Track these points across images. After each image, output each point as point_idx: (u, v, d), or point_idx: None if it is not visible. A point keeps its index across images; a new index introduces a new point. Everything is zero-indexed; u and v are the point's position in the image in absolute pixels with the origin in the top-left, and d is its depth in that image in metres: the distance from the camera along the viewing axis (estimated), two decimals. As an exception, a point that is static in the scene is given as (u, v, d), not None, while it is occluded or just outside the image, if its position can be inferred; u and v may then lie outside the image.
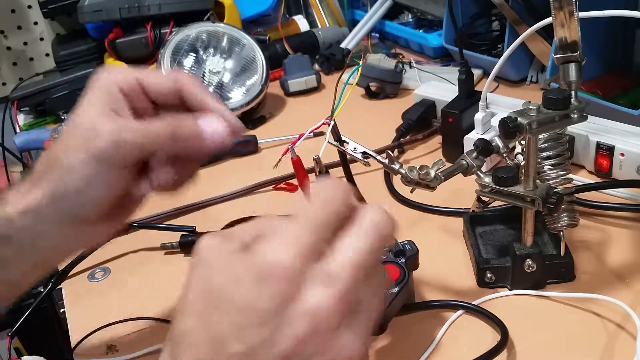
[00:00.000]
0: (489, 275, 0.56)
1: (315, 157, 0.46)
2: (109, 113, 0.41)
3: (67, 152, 0.41)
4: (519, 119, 0.49)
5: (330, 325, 0.29)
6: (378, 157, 0.52)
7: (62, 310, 0.63)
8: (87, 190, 0.41)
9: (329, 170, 0.69)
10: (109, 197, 0.42)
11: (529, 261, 0.54)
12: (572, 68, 0.52)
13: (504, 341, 0.50)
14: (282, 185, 0.78)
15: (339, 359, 0.30)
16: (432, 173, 0.51)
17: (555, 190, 0.52)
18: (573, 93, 0.51)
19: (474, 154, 0.55)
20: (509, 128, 0.49)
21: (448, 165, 0.54)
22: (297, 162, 0.57)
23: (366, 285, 0.31)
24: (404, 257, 0.53)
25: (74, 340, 0.57)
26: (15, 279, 0.45)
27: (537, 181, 0.53)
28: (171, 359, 0.30)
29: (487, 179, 0.54)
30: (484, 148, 0.55)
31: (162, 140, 0.41)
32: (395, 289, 0.50)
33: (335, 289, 0.29)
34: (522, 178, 0.53)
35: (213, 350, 0.29)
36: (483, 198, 0.55)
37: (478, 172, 0.55)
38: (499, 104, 0.79)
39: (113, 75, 0.43)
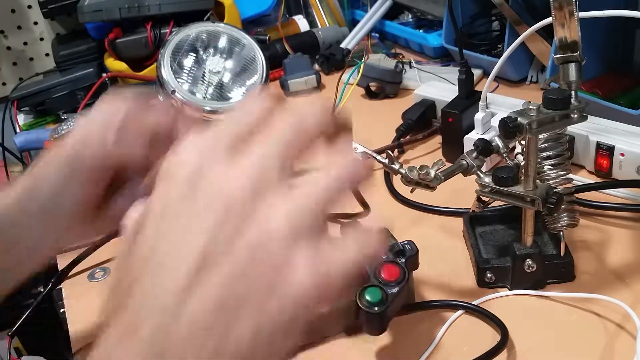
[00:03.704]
0: (489, 275, 0.56)
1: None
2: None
3: (47, 155, 0.44)
4: (519, 119, 0.49)
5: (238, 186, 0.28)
6: (378, 157, 0.52)
7: (62, 310, 0.63)
8: (59, 191, 0.44)
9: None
10: (81, 203, 0.45)
11: (529, 261, 0.54)
12: (572, 68, 0.52)
13: (504, 341, 0.50)
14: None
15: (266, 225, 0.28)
16: (432, 173, 0.51)
17: (555, 190, 0.52)
18: (573, 93, 0.51)
19: (474, 154, 0.55)
20: (509, 128, 0.49)
21: (448, 165, 0.54)
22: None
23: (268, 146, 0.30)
24: (404, 257, 0.52)
25: (73, 340, 0.57)
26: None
27: (537, 181, 0.53)
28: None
29: (487, 179, 0.54)
30: (484, 148, 0.55)
31: (132, 146, 0.43)
32: (395, 289, 0.50)
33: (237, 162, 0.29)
34: (522, 178, 0.53)
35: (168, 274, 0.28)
36: (483, 198, 0.55)
37: (478, 172, 0.54)
38: (499, 104, 0.79)
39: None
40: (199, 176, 0.29)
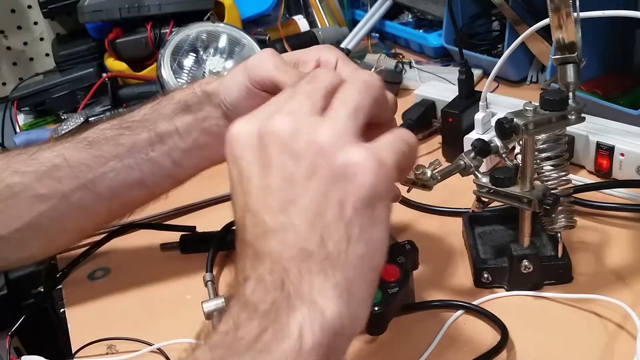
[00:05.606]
0: (485, 275, 0.56)
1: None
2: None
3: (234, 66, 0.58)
4: (515, 119, 0.49)
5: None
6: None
7: (62, 310, 0.63)
8: (233, 92, 0.54)
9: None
10: (246, 104, 0.52)
11: (525, 262, 0.54)
12: (570, 69, 0.52)
13: (504, 341, 0.50)
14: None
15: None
16: (429, 173, 0.52)
17: (551, 191, 0.52)
18: (571, 94, 0.51)
19: (472, 154, 0.55)
20: (505, 129, 0.49)
21: (446, 165, 0.54)
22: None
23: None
24: (404, 257, 0.53)
25: (73, 340, 0.57)
26: (180, 158, 0.57)
27: (536, 182, 0.53)
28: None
29: (485, 180, 0.54)
30: (482, 148, 0.55)
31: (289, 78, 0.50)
32: (395, 289, 0.50)
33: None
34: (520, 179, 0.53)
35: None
36: (482, 198, 0.55)
37: (476, 172, 0.54)
38: (499, 104, 0.78)
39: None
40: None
